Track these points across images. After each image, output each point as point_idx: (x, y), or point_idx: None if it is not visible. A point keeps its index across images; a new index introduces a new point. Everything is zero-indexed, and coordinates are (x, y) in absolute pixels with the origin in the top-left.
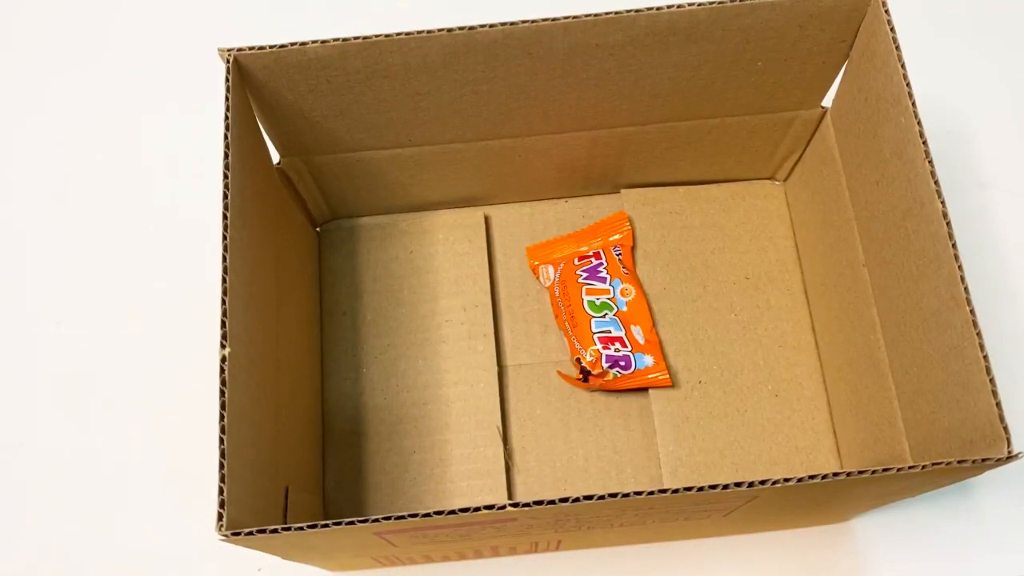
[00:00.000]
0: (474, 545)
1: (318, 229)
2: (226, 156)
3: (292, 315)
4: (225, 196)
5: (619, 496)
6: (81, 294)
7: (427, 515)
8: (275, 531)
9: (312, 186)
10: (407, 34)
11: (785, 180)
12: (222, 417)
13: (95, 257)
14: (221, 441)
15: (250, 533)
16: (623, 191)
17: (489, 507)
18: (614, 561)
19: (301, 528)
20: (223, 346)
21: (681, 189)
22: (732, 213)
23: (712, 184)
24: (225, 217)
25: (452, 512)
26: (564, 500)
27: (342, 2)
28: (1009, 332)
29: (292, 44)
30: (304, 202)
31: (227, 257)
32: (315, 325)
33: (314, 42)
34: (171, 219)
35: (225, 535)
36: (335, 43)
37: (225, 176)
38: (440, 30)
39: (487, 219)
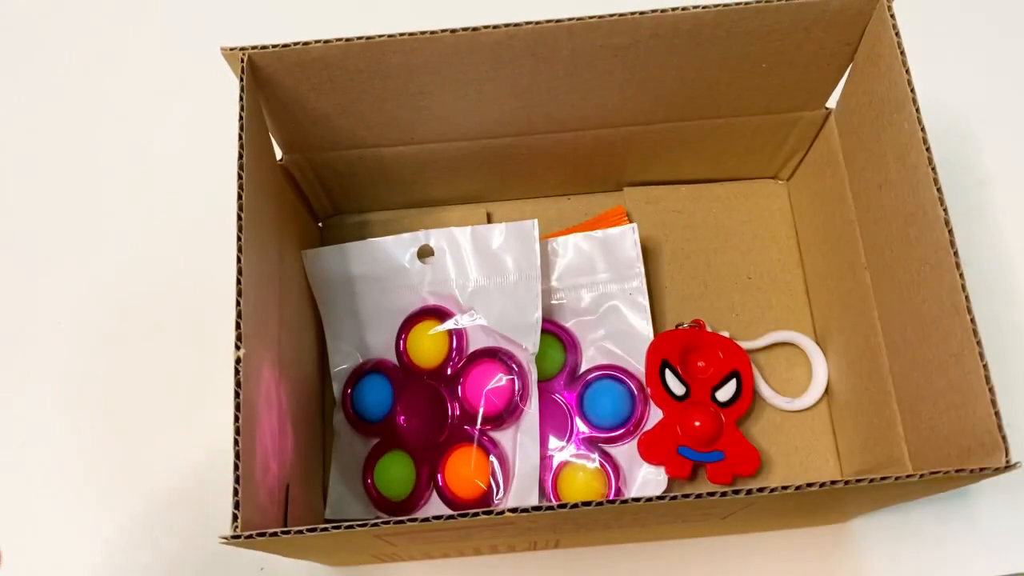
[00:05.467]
0: (473, 544)
1: (320, 224)
2: (240, 155)
3: (293, 312)
4: (240, 196)
5: (616, 502)
6: (82, 293)
7: (425, 520)
8: (275, 535)
9: (315, 183)
10: (410, 34)
11: (788, 180)
12: (236, 418)
13: (95, 255)
14: (236, 442)
15: (250, 536)
16: (626, 189)
17: (487, 512)
18: (613, 559)
19: (301, 532)
20: (238, 347)
21: (684, 188)
22: (735, 212)
23: (715, 183)
24: (240, 218)
25: (451, 517)
26: (562, 506)
27: (347, 1)
28: (1008, 328)
29: (295, 43)
30: (307, 198)
31: (241, 258)
32: (315, 321)
33: (317, 41)
34: (172, 217)
35: (225, 538)
36: (338, 43)
37: (240, 176)
38: (444, 30)
39: (489, 216)
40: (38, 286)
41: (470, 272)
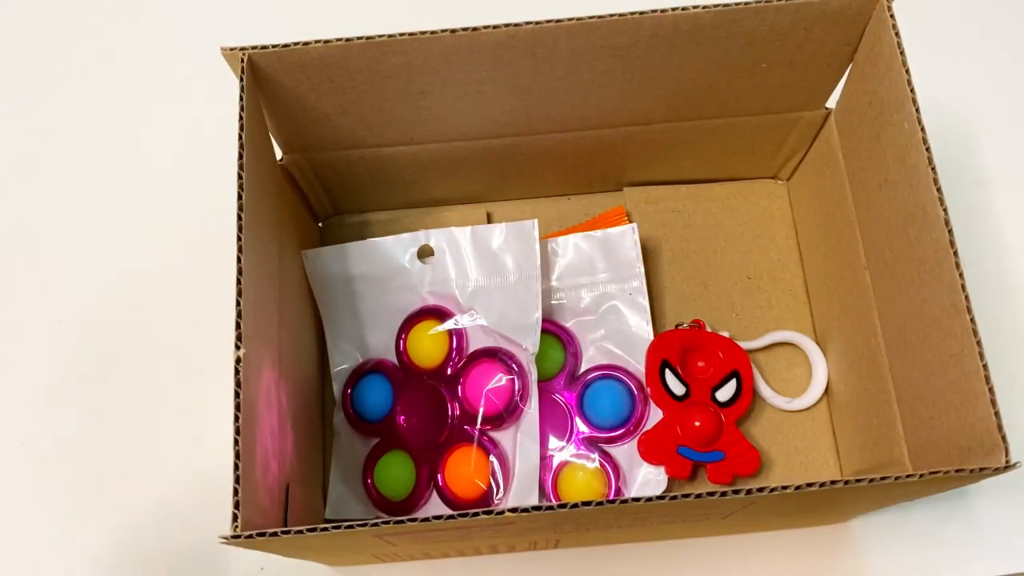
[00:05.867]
0: (473, 544)
1: (320, 224)
2: (240, 155)
3: (293, 312)
4: (240, 196)
5: (616, 502)
6: (82, 293)
7: (425, 520)
8: (275, 535)
9: (315, 183)
10: (410, 34)
11: (788, 180)
12: (236, 418)
13: (95, 255)
14: (236, 442)
15: (250, 536)
16: (626, 189)
17: (487, 512)
18: (613, 559)
19: (301, 532)
20: (238, 347)
21: (684, 188)
22: (735, 212)
23: (715, 183)
24: (240, 218)
25: (451, 517)
26: (562, 506)
27: (347, 1)
28: (1008, 328)
29: (295, 43)
30: (307, 198)
31: (241, 258)
32: (315, 321)
33: (317, 41)
34: (172, 217)
35: (225, 538)
36: (338, 43)
37: (240, 176)
38: (444, 30)
39: (489, 216)
40: (38, 286)
41: (470, 272)
